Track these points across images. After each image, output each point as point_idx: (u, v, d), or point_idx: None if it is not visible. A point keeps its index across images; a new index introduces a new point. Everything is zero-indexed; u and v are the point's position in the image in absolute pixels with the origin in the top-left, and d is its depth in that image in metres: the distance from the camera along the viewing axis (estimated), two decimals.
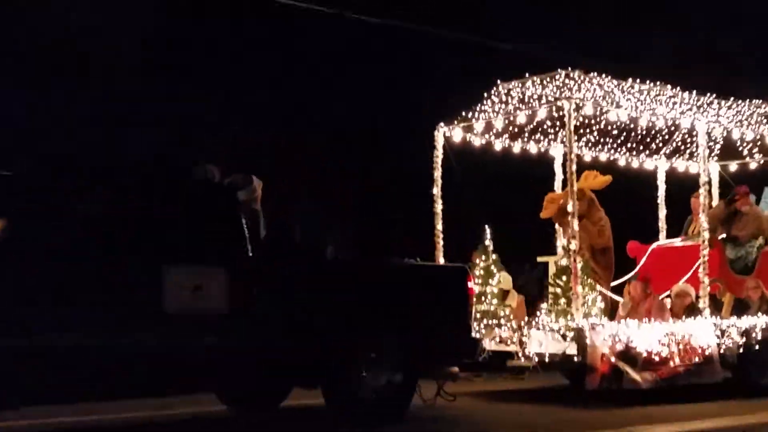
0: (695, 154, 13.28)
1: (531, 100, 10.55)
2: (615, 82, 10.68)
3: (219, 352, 6.57)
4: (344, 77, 19.30)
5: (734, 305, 11.60)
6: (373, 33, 16.47)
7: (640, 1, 22.10)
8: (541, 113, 10.34)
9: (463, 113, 11.14)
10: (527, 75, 10.64)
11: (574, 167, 9.96)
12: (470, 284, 8.31)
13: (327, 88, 18.95)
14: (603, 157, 12.99)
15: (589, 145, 12.55)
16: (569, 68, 10.41)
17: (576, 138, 12.29)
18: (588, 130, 12.00)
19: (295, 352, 6.95)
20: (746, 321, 10.70)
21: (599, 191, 11.63)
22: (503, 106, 10.86)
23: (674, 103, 11.09)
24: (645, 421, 8.55)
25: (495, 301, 10.64)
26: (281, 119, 17.87)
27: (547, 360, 9.60)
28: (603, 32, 20.08)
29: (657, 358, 9.71)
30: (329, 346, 7.12)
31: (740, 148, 13.08)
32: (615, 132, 12.07)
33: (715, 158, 13.72)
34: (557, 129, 11.78)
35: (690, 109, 11.19)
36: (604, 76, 10.61)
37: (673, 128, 12.02)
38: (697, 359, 10.08)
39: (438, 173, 11.17)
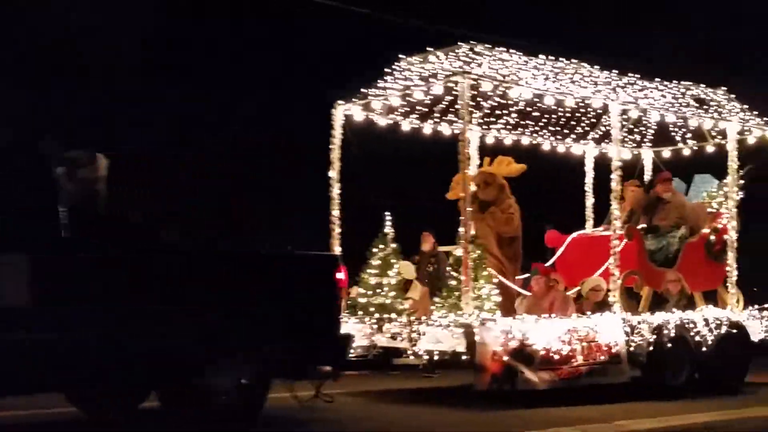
0: (627, 140, 12.67)
1: (431, 76, 9.79)
2: (525, 58, 9.95)
3: (19, 350, 5.76)
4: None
5: (653, 299, 10.99)
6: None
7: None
8: (437, 89, 9.55)
9: (363, 90, 10.36)
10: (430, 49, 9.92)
11: (470, 149, 9.27)
12: (340, 275, 7.53)
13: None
14: (526, 141, 12.31)
15: (509, 127, 11.84)
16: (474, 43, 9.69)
17: (494, 119, 11.64)
18: (506, 111, 11.31)
19: (117, 351, 6.14)
20: (659, 317, 10.03)
21: (517, 179, 10.98)
22: (405, 82, 10.10)
23: (590, 82, 10.37)
24: (541, 424, 7.86)
25: (393, 293, 9.92)
26: (179, 102, 17.07)
27: (436, 358, 8.90)
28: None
29: (557, 357, 9.01)
30: (161, 343, 6.32)
31: (673, 134, 12.50)
32: (536, 114, 11.39)
33: (648, 144, 13.12)
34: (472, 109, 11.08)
35: (608, 89, 10.46)
36: (512, 51, 9.89)
37: (600, 111, 11.37)
38: (602, 357, 9.40)
39: (336, 154, 10.38)
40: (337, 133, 10.35)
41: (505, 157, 10.77)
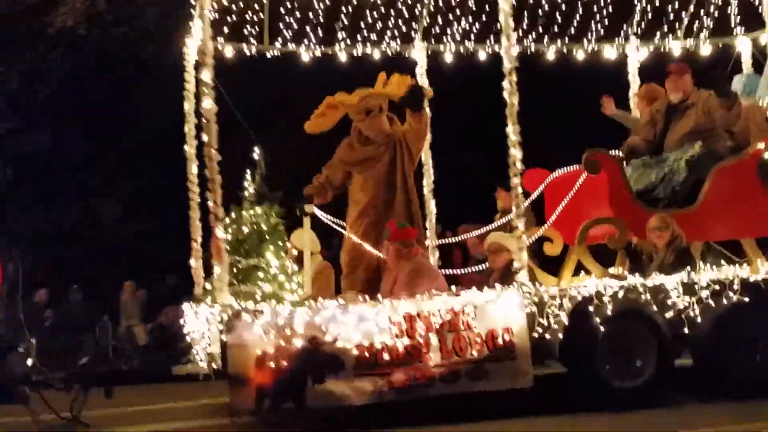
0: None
1: None
2: None
3: None
4: None
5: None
6: None
7: None
8: None
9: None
10: None
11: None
12: None
13: None
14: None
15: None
16: None
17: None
18: None
19: None
20: (591, 286, 6.59)
21: None
22: None
23: None
24: None
25: (282, 277, 7.31)
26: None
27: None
28: None
29: (386, 357, 6.17)
30: None
31: None
32: None
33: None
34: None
35: None
36: None
37: None
38: (479, 353, 6.31)
39: (189, 106, 8.09)
40: (190, 76, 8.10)
41: (405, 77, 7.82)
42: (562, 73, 10.18)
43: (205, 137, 6.32)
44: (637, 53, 9.97)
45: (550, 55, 9.59)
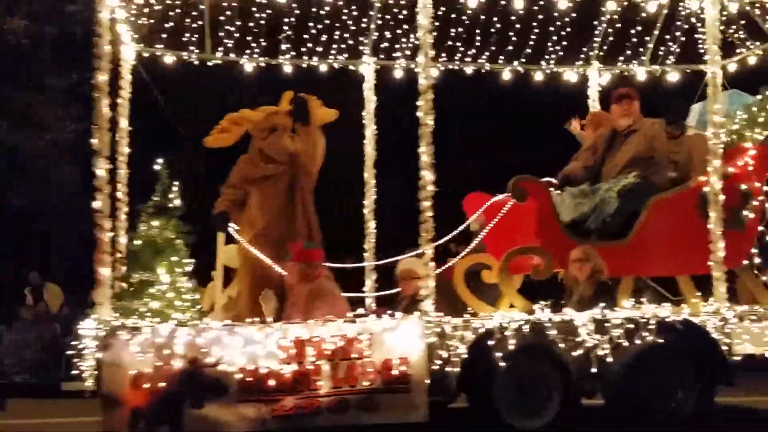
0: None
1: None
2: None
3: None
4: None
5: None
6: None
7: None
8: None
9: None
10: None
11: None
12: None
13: None
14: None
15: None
16: None
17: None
18: None
19: None
20: (497, 318, 6.27)
21: None
22: None
23: None
24: None
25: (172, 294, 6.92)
26: None
27: None
28: None
29: (272, 382, 5.91)
30: None
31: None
32: None
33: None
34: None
35: None
36: None
37: None
38: (372, 383, 6.02)
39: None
40: (125, 79, 7.84)
41: (313, 97, 7.58)
42: (521, 94, 9.92)
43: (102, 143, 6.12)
44: (599, 77, 9.69)
45: (507, 75, 9.34)
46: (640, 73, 9.55)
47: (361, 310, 6.46)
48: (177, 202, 6.67)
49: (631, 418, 6.33)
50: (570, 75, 9.52)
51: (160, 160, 6.49)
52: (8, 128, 14.85)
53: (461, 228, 7.89)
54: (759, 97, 7.82)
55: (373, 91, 9.07)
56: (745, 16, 8.76)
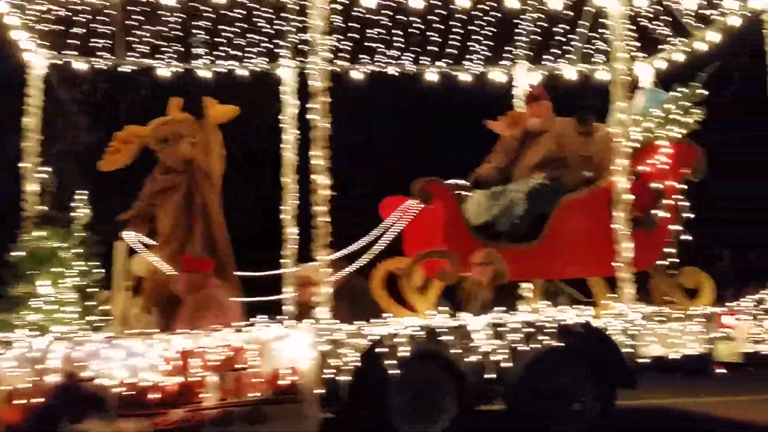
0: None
1: None
2: None
3: None
4: None
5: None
6: None
7: None
8: None
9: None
10: None
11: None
12: None
13: None
14: None
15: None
16: None
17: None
18: None
19: None
20: (393, 325, 6.12)
21: None
22: None
23: None
24: None
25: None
26: None
27: None
28: None
29: (156, 395, 5.75)
30: None
31: None
32: None
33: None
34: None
35: None
36: None
37: None
38: (261, 394, 5.87)
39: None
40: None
41: (210, 99, 7.45)
42: (450, 96, 9.78)
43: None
44: (526, 77, 9.55)
45: (432, 76, 9.20)
46: (570, 72, 9.47)
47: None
48: (82, 211, 6.61)
49: (531, 424, 6.20)
50: (498, 75, 9.43)
51: (47, 169, 6.35)
52: None
53: (374, 233, 7.75)
54: (674, 94, 7.73)
55: (294, 95, 8.95)
56: (668, 13, 8.70)
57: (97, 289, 6.72)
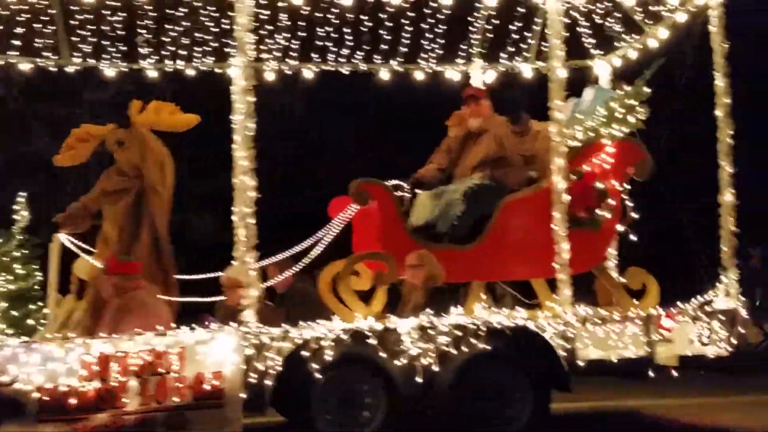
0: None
1: None
2: None
3: None
4: None
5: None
6: None
7: None
8: None
9: None
10: None
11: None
12: None
13: None
14: None
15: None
16: None
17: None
18: None
19: None
20: (320, 329, 6.03)
21: None
22: None
23: None
24: None
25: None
26: None
27: None
28: None
29: (74, 400, 5.66)
30: None
31: None
32: None
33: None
34: None
35: None
36: None
37: None
38: (182, 399, 5.78)
39: None
40: None
41: (166, 104, 7.35)
42: (404, 95, 9.69)
43: None
44: (482, 75, 9.45)
45: (386, 75, 9.10)
46: (526, 70, 9.38)
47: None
48: (21, 214, 6.63)
49: (462, 428, 6.10)
50: (454, 74, 9.33)
51: None
52: None
53: (319, 234, 7.65)
54: (619, 92, 7.63)
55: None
56: (621, 11, 8.61)
57: (36, 293, 6.77)
